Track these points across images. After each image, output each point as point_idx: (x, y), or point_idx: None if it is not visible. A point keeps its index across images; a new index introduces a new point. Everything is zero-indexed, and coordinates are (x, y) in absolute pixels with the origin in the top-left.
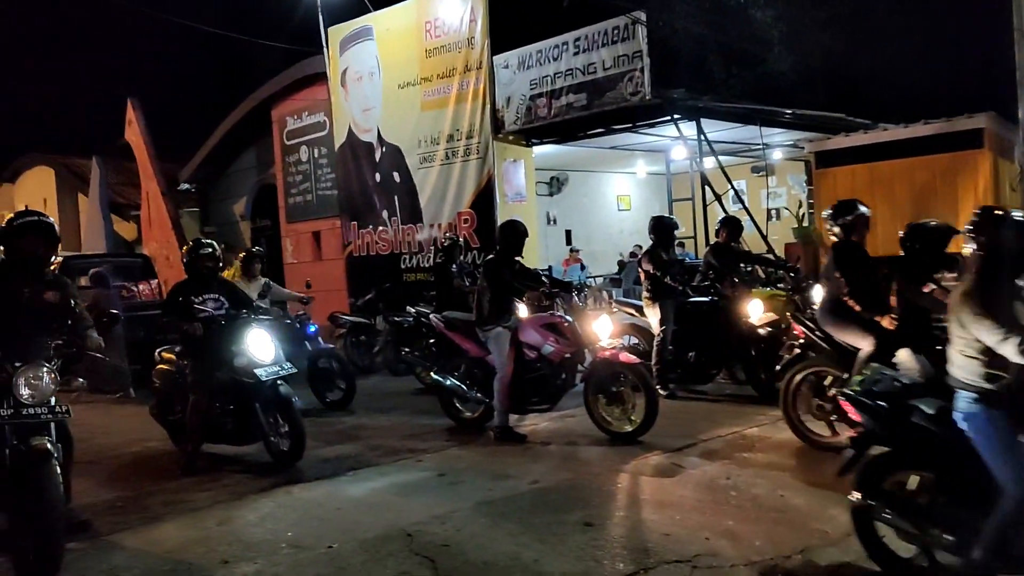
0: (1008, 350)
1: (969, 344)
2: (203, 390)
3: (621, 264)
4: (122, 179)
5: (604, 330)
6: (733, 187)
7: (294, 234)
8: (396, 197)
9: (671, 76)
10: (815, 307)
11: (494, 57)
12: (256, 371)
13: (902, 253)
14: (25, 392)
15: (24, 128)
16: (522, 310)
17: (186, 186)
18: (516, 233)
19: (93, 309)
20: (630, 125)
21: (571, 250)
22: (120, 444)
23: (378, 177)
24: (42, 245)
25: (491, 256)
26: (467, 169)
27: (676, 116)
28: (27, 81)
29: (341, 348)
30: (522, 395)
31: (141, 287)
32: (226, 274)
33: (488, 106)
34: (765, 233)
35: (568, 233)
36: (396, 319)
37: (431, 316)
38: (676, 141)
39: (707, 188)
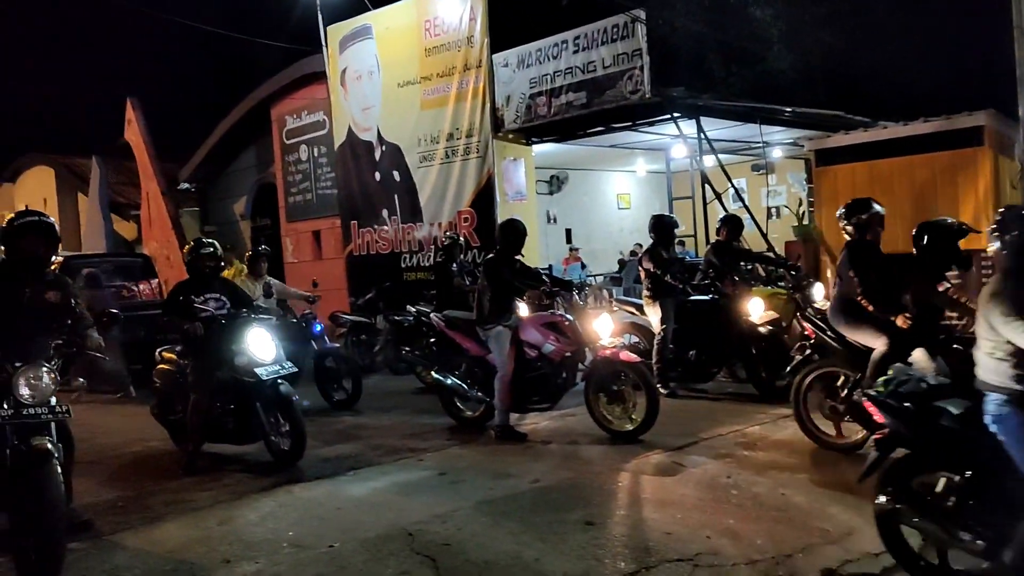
0: None
1: (999, 346)
2: (204, 389)
3: (621, 263)
4: (122, 179)
5: (605, 329)
6: (733, 185)
7: (294, 233)
8: (396, 196)
9: (671, 74)
10: (815, 305)
11: (493, 56)
12: (257, 370)
13: (913, 251)
14: (25, 392)
15: (24, 128)
16: (523, 309)
17: (186, 185)
18: (516, 232)
19: (88, 310)
20: (630, 124)
21: (571, 249)
22: (121, 444)
23: (378, 176)
24: (42, 245)
25: (491, 255)
26: (467, 168)
27: (676, 114)
28: (27, 81)
29: (342, 347)
30: (523, 394)
31: (141, 287)
32: (226, 274)
33: (488, 105)
34: (765, 231)
35: (568, 232)
36: (396, 318)
37: (431, 315)
38: (676, 139)
39: (707, 186)
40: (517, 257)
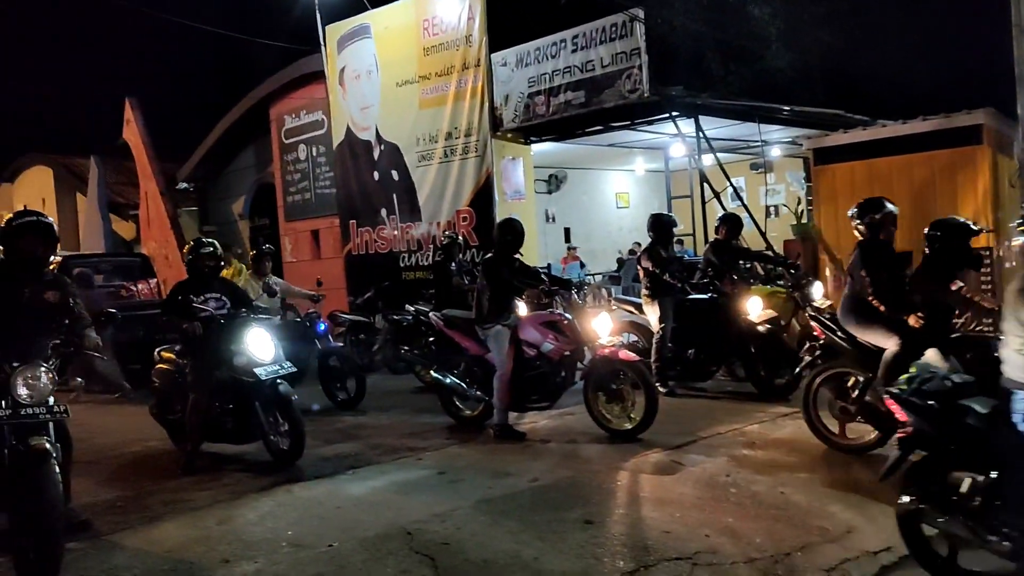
0: None
1: None
2: (203, 389)
3: (620, 262)
4: (121, 178)
5: (603, 328)
6: (732, 184)
7: (293, 233)
8: (395, 195)
9: (669, 73)
10: (815, 303)
11: (492, 55)
12: (256, 370)
13: (910, 249)
14: (23, 392)
15: (22, 128)
16: (522, 308)
17: (185, 185)
18: (513, 231)
19: None
20: (628, 123)
21: (568, 248)
22: (120, 444)
23: (376, 175)
24: (41, 245)
25: (490, 254)
26: (465, 167)
27: (674, 113)
28: (25, 81)
29: (346, 347)
30: (522, 393)
31: (140, 286)
32: (225, 273)
33: (486, 104)
34: (764, 230)
35: (567, 231)
36: (395, 317)
37: (430, 314)
38: (675, 138)
39: (706, 185)
40: (516, 256)
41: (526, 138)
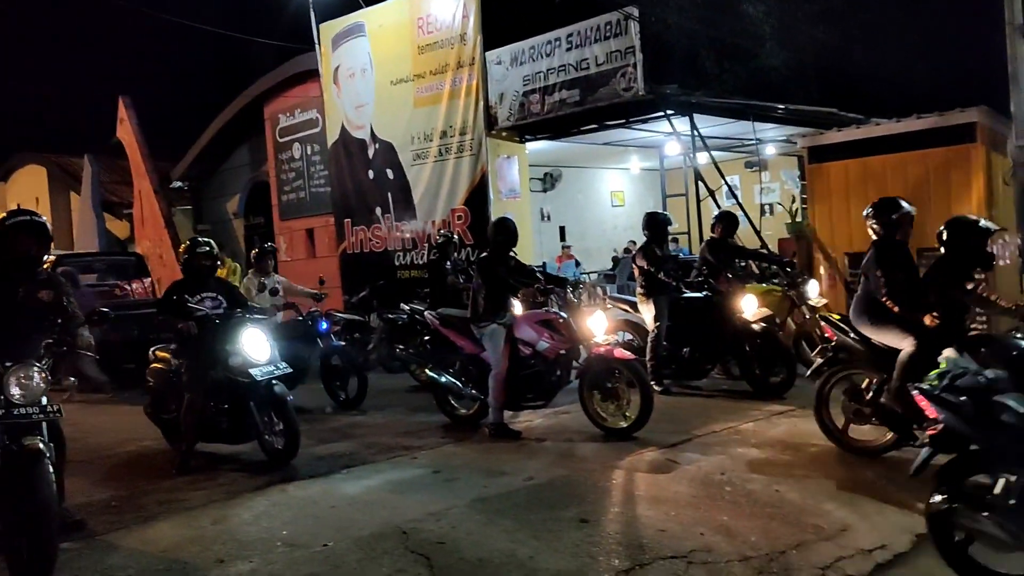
0: None
1: None
2: (198, 389)
3: (615, 260)
4: (114, 177)
5: (599, 326)
6: (726, 182)
7: (288, 231)
8: (389, 194)
9: (664, 72)
10: (810, 302)
11: (487, 53)
12: (251, 371)
13: (941, 249)
14: (16, 392)
15: (16, 127)
16: (517, 307)
17: (179, 184)
18: (507, 231)
19: None
20: (623, 121)
21: (563, 247)
22: (114, 443)
23: (371, 174)
24: (35, 244)
25: (485, 253)
26: (460, 166)
27: (669, 112)
28: (19, 79)
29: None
30: (517, 391)
31: (134, 285)
32: (219, 273)
33: (481, 102)
34: (759, 228)
35: (562, 229)
36: (390, 316)
37: (426, 313)
38: (669, 137)
39: (700, 184)
40: (511, 254)
41: (521, 136)
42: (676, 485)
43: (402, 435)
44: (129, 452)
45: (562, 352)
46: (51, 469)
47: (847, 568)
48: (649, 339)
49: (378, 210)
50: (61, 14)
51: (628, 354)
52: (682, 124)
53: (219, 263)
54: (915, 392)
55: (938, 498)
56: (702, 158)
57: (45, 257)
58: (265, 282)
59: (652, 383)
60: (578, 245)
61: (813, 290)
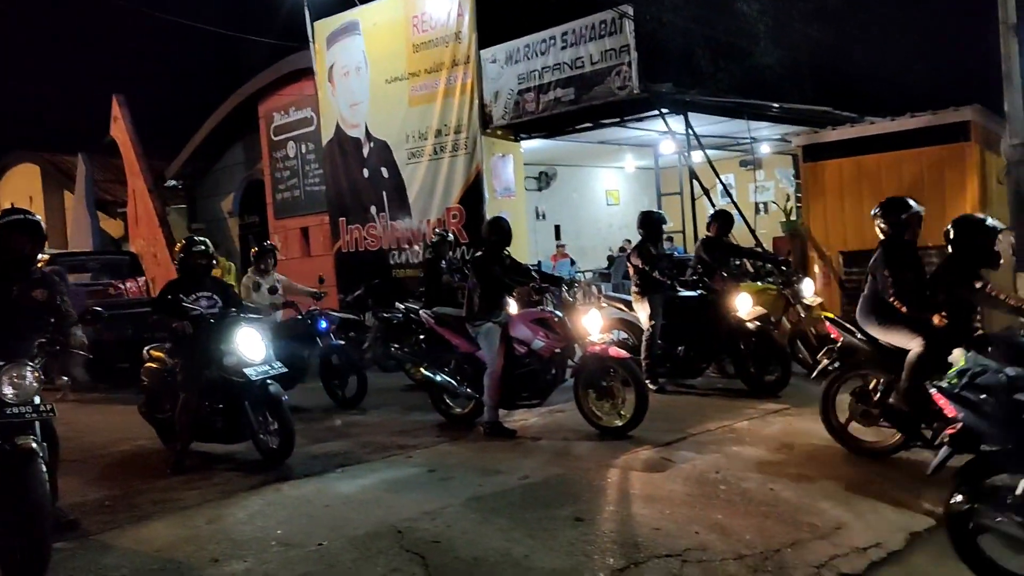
0: None
1: None
2: (193, 388)
3: (610, 259)
4: (108, 176)
5: (594, 325)
6: (721, 181)
7: (282, 230)
8: (384, 193)
9: (659, 70)
10: (804, 300)
11: (481, 52)
12: (246, 370)
13: (949, 248)
14: (8, 391)
15: (10, 125)
16: (512, 305)
17: (173, 182)
18: (501, 230)
19: None
20: (618, 120)
21: (558, 245)
22: (109, 443)
23: (366, 173)
24: (28, 243)
25: (480, 252)
26: (455, 164)
27: (664, 110)
28: (12, 78)
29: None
30: (512, 390)
31: (128, 284)
32: (214, 273)
33: (476, 101)
34: (753, 227)
35: (557, 228)
36: (385, 315)
37: (421, 312)
38: (664, 135)
39: (695, 182)
40: (505, 253)
41: (516, 135)
42: (671, 484)
43: (397, 434)
44: (123, 451)
45: (557, 351)
46: (44, 469)
47: (841, 566)
48: (644, 338)
49: (373, 209)
50: (55, 12)
51: (623, 353)
52: (677, 123)
53: (214, 262)
54: (933, 391)
55: (959, 498)
56: (697, 157)
57: (39, 256)
58: (260, 281)
59: (647, 382)
60: (573, 244)
61: (808, 289)
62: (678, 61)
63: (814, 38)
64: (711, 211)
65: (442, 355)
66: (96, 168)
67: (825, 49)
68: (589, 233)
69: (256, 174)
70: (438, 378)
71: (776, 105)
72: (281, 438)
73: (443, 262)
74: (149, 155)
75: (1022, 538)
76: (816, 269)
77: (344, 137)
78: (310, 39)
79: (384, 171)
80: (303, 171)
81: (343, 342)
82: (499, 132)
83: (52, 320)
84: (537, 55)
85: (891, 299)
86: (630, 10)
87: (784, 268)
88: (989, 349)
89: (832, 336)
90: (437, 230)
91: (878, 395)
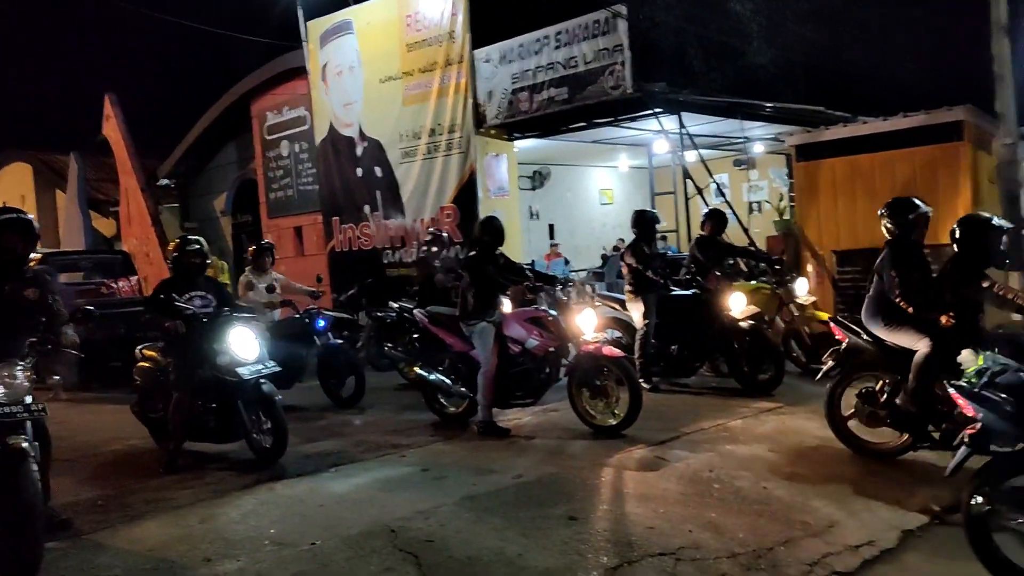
0: None
1: None
2: (185, 388)
3: (604, 258)
4: (101, 175)
5: (588, 324)
6: (715, 181)
7: (275, 230)
8: (378, 192)
9: (652, 70)
10: (798, 300)
11: (475, 51)
12: (239, 370)
13: (955, 248)
14: None
15: (1, 124)
16: (506, 304)
17: (166, 182)
18: (493, 230)
19: None
20: (612, 119)
21: (552, 245)
22: (101, 442)
23: (360, 172)
24: (21, 242)
25: (474, 252)
26: (449, 163)
27: (657, 110)
28: (4, 77)
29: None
30: (506, 389)
31: (121, 284)
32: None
33: (470, 100)
34: (747, 226)
35: (551, 227)
36: (379, 314)
37: (414, 311)
38: (658, 135)
39: (689, 182)
40: (498, 253)
41: (509, 134)
42: (664, 482)
43: (391, 433)
44: (116, 451)
45: (551, 350)
46: (35, 468)
47: (834, 564)
48: (637, 337)
49: (366, 208)
50: (47, 11)
51: (617, 352)
52: (670, 122)
53: (209, 262)
54: (952, 391)
55: (979, 499)
56: (690, 156)
57: (31, 255)
58: (258, 279)
59: (641, 380)
60: (567, 243)
61: (801, 288)
62: (671, 61)
63: (808, 38)
64: (705, 210)
65: (436, 354)
66: (88, 167)
67: (818, 49)
68: (583, 232)
69: (249, 173)
70: (432, 377)
71: (769, 105)
72: (274, 437)
73: (437, 261)
74: (142, 154)
75: None
76: (809, 268)
77: (338, 136)
78: (303, 38)
79: (378, 170)
80: (296, 170)
81: (340, 341)
82: (493, 131)
83: (44, 319)
84: (531, 55)
85: (897, 299)
86: (623, 10)
87: (778, 267)
88: (995, 349)
89: (837, 337)
90: (431, 229)
91: (884, 396)
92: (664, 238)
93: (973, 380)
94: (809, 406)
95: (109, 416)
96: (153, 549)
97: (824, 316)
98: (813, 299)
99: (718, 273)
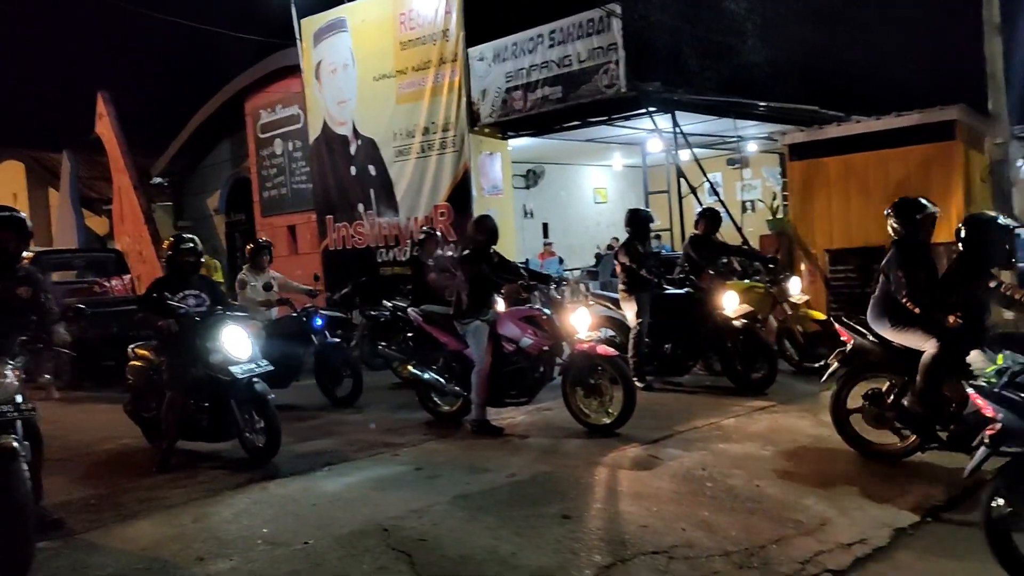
0: None
1: None
2: (178, 387)
3: (598, 257)
4: (93, 173)
5: (582, 323)
6: (708, 180)
7: (269, 228)
8: (372, 190)
9: (646, 69)
10: (791, 299)
11: (469, 49)
12: (232, 368)
13: (960, 247)
14: None
15: None
16: (500, 303)
17: (159, 180)
18: (486, 229)
19: None
20: (606, 118)
21: (546, 243)
22: (94, 441)
23: (353, 170)
24: (13, 240)
25: (468, 250)
26: (443, 162)
27: (651, 109)
28: None
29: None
30: (500, 388)
31: (113, 282)
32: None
33: (464, 99)
34: (740, 225)
35: (545, 226)
36: (373, 313)
37: (408, 310)
38: (652, 134)
39: (683, 181)
40: (492, 251)
41: (503, 133)
42: (658, 481)
43: (384, 432)
44: (108, 450)
45: (545, 348)
46: (26, 468)
47: (826, 562)
48: (631, 335)
49: (360, 207)
50: (40, 8)
51: (611, 350)
52: (664, 121)
53: (202, 261)
54: (970, 391)
55: (1000, 501)
56: (684, 155)
57: (23, 253)
58: (255, 278)
59: (634, 379)
60: (561, 242)
61: (794, 287)
62: (666, 60)
63: (802, 37)
64: (699, 209)
65: (430, 353)
66: (81, 165)
67: (813, 48)
68: (577, 231)
69: (243, 172)
70: (426, 376)
71: (763, 104)
72: (267, 436)
73: (430, 260)
74: (135, 152)
75: None
76: (803, 267)
77: (331, 135)
78: (297, 36)
79: (372, 169)
80: (290, 168)
81: (338, 340)
82: (487, 130)
83: (35, 318)
84: (525, 53)
85: (904, 300)
86: (618, 8)
87: (771, 266)
88: (1004, 351)
89: (842, 338)
90: (424, 228)
91: (892, 398)
92: (658, 237)
93: (992, 380)
94: (802, 405)
95: (102, 415)
96: (146, 548)
97: (818, 315)
98: (806, 298)
99: (712, 272)
